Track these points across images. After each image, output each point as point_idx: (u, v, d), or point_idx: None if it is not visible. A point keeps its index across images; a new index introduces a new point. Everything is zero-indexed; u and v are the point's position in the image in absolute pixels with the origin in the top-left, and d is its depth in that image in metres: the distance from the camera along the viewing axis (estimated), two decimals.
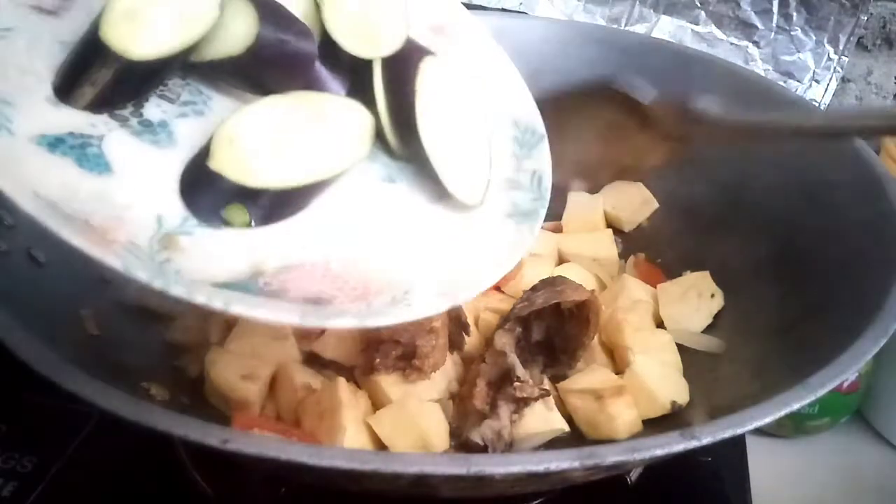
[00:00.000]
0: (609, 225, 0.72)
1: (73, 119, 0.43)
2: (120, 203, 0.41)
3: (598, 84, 0.68)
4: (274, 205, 0.44)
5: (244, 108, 0.44)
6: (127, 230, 0.40)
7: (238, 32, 0.45)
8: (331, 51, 0.48)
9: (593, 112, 0.67)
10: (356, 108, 0.47)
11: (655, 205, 0.72)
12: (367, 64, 0.49)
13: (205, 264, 0.42)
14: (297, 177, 0.44)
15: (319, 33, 0.49)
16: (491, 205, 0.50)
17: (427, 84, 0.48)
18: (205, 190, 0.43)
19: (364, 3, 0.49)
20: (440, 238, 0.49)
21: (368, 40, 0.49)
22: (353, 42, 0.48)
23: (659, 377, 0.56)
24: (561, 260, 0.68)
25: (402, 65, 0.49)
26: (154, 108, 0.46)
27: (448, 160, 0.49)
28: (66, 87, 0.43)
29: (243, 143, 0.43)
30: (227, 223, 0.43)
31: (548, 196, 0.52)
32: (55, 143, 0.42)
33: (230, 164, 0.43)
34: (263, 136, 0.44)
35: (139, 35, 0.42)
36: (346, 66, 0.49)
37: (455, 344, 0.57)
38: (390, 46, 0.49)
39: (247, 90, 0.47)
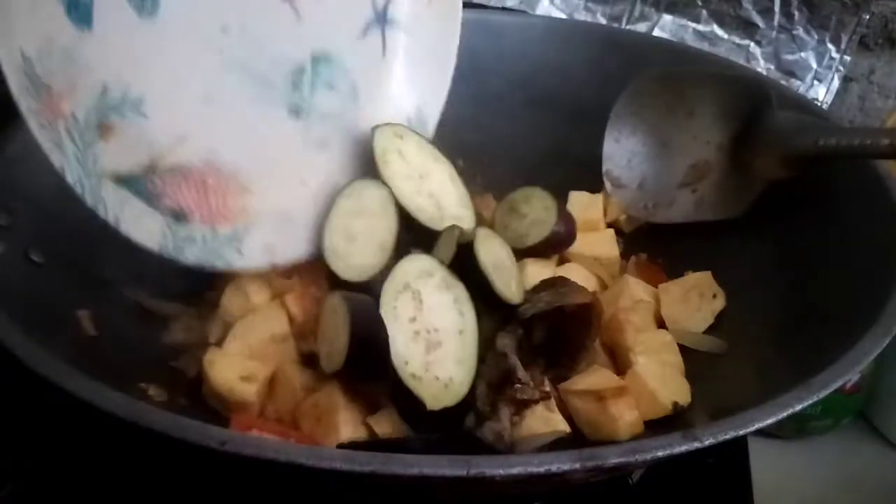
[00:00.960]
0: (610, 225, 0.72)
1: None
2: (83, 64, 0.45)
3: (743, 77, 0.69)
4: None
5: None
6: (74, 99, 0.45)
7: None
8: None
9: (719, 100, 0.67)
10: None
11: None
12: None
13: (119, 151, 0.46)
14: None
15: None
16: None
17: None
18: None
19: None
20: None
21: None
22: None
23: (660, 378, 0.55)
24: (562, 260, 0.68)
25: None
26: None
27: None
28: None
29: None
30: None
31: None
32: None
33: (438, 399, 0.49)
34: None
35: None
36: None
37: None
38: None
39: None
